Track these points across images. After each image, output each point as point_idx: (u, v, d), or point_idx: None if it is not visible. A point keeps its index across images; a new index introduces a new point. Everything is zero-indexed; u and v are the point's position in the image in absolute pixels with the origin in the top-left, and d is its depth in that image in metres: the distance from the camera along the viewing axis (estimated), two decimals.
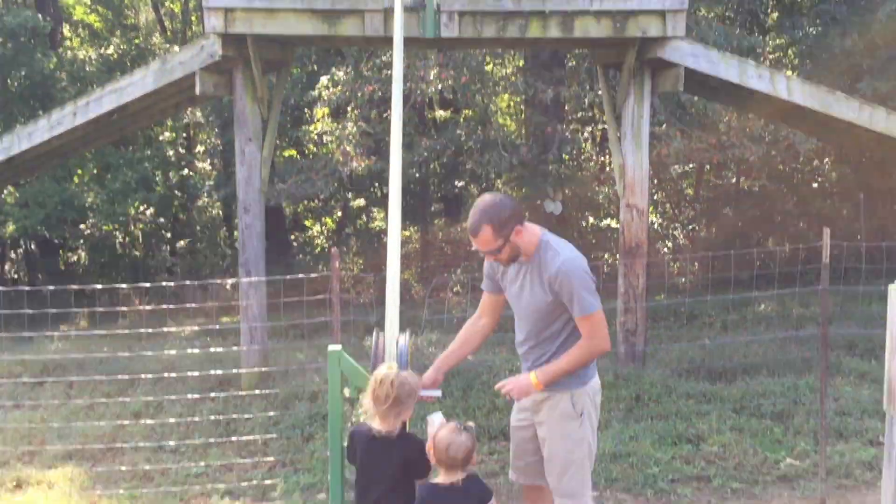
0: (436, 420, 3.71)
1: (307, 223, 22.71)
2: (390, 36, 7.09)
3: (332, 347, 4.17)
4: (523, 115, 16.61)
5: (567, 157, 16.19)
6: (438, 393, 4.01)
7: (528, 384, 3.76)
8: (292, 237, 21.01)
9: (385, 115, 14.81)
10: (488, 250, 3.80)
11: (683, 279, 15.79)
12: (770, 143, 13.93)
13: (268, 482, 5.86)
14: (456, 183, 19.74)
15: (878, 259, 10.47)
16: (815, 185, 17.04)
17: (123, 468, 6.20)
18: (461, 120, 18.34)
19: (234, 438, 6.70)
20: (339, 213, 21.73)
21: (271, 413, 7.23)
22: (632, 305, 8.52)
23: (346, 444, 3.91)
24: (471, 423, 3.57)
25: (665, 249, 17.06)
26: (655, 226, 18.09)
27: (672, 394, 7.39)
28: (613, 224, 19.55)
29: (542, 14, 7.89)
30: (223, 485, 5.82)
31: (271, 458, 6.34)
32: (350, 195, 20.87)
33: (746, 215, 16.26)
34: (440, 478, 3.54)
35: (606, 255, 17.35)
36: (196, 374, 8.31)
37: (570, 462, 3.87)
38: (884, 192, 16.05)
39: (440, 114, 16.67)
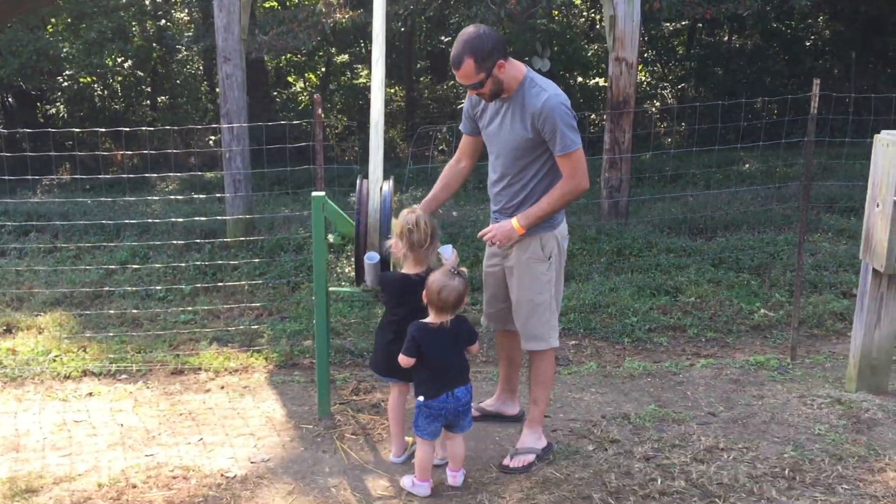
0: (447, 252, 3.81)
1: (290, 79, 22.26)
2: None
3: (315, 193, 4.17)
4: None
5: (557, 12, 15.74)
6: (375, 256, 4.03)
7: (510, 229, 3.77)
8: (274, 93, 20.64)
9: None
10: (470, 84, 3.73)
11: (669, 139, 15.75)
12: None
13: (255, 327, 5.97)
14: (442, 38, 19.26)
15: (865, 114, 10.45)
16: (807, 43, 16.73)
17: (112, 312, 6.29)
18: None
19: (220, 284, 6.79)
20: (323, 69, 21.29)
21: (257, 261, 7.31)
22: (617, 161, 8.50)
23: (379, 288, 3.96)
24: (464, 269, 3.63)
25: (653, 109, 16.90)
26: (644, 85, 17.85)
27: (653, 248, 7.50)
28: (602, 82, 19.29)
29: None
30: (210, 330, 5.93)
31: (258, 306, 6.44)
32: (334, 50, 20.38)
33: (737, 75, 16.03)
34: (430, 318, 3.62)
35: (593, 116, 17.21)
36: (181, 220, 8.36)
37: (537, 304, 3.92)
38: (876, 51, 15.84)
39: None
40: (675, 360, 5.30)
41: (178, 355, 5.48)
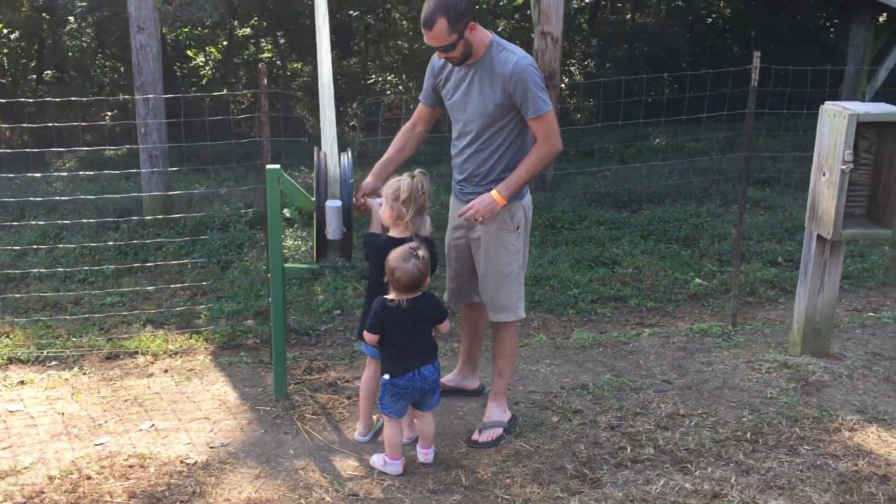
0: (376, 204, 3.81)
1: (190, 52, 21.50)
2: None
3: (270, 166, 4.01)
4: None
5: None
6: (379, 201, 3.91)
7: (492, 202, 3.68)
8: (174, 67, 19.91)
9: None
10: (441, 45, 3.64)
11: (579, 115, 15.97)
12: None
13: (191, 308, 5.74)
14: (349, 12, 18.96)
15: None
16: (709, 20, 17.20)
17: (31, 296, 5.93)
18: None
19: (147, 265, 6.49)
20: (225, 42, 20.64)
21: (180, 240, 7.02)
22: None
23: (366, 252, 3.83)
24: (422, 252, 3.47)
25: (562, 86, 17.05)
26: None
27: (584, 221, 7.58)
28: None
29: None
30: (142, 312, 5.66)
31: (189, 287, 6.18)
32: (236, 23, 19.78)
33: (640, 53, 16.35)
34: (391, 295, 3.52)
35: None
36: (91, 198, 7.95)
37: (504, 275, 3.88)
38: (774, 30, 16.41)
39: None
40: (622, 331, 5.35)
41: (111, 339, 5.20)
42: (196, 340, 5.21)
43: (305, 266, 5.09)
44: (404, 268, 3.42)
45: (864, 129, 4.25)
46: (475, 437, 3.92)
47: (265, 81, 4.46)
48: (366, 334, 3.57)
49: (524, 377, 4.61)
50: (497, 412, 4.03)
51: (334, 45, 20.71)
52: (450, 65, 3.84)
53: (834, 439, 3.87)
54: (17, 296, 5.94)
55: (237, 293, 5.97)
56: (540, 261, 6.54)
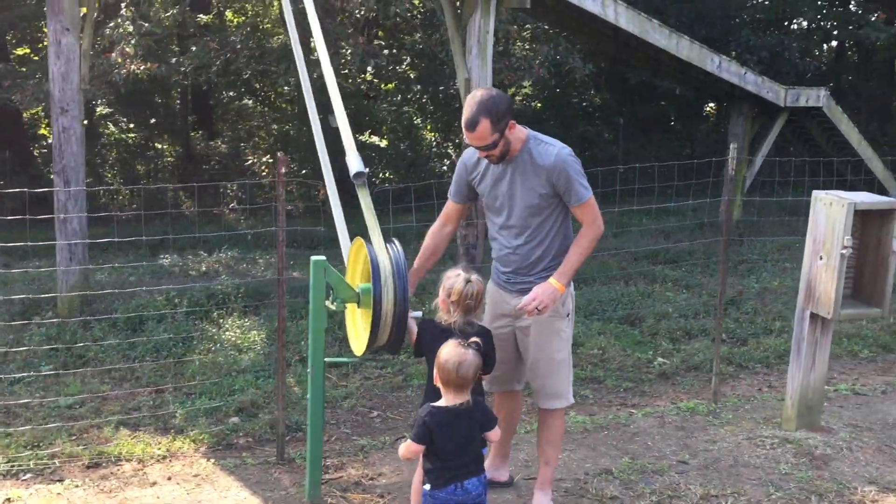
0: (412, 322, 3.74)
1: (43, 131, 20.48)
2: None
3: (315, 258, 3.87)
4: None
5: (349, 69, 15.85)
6: (419, 314, 3.86)
7: (553, 291, 3.70)
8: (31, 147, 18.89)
9: (167, 12, 13.62)
10: (483, 145, 3.69)
11: None
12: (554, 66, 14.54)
13: (162, 408, 5.36)
14: (230, 93, 18.77)
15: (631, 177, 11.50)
16: (584, 104, 18.14)
17: None
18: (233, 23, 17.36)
19: (91, 369, 6.03)
20: (85, 121, 19.80)
21: (112, 341, 6.56)
22: (473, 220, 8.67)
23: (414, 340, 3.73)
24: (475, 339, 3.38)
25: (444, 167, 17.42)
26: (434, 144, 18.43)
27: None
28: (382, 143, 19.71)
29: None
30: (108, 414, 5.23)
31: (151, 386, 5.78)
32: (96, 101, 19.09)
33: None
34: (445, 400, 3.28)
35: (389, 174, 17.43)
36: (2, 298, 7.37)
37: (557, 362, 3.91)
38: (639, 118, 17.54)
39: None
40: (611, 412, 5.44)
41: (85, 446, 4.77)
42: (182, 442, 4.86)
43: (346, 359, 4.90)
44: (468, 360, 3.24)
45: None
46: None
47: (283, 170, 4.33)
48: (409, 445, 3.27)
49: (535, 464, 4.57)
50: (545, 501, 3.98)
51: (197, 124, 20.31)
52: (484, 162, 3.89)
53: None
54: None
55: (208, 388, 5.64)
56: None
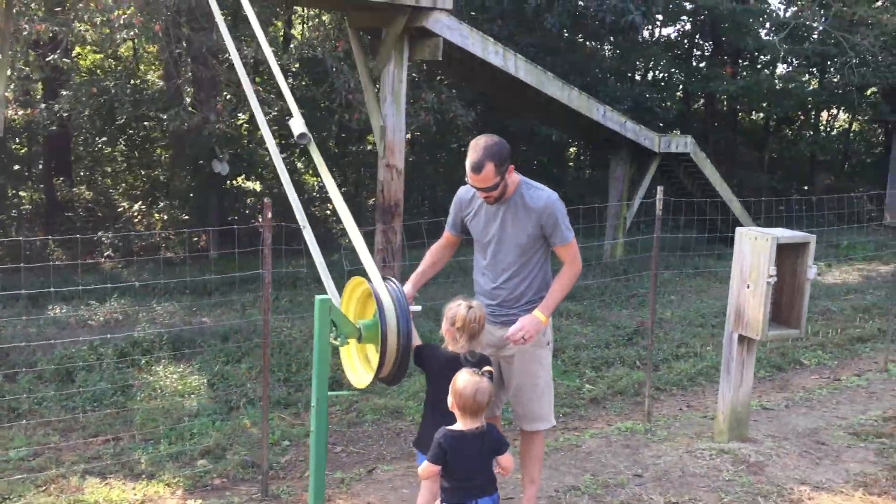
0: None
1: None
2: None
3: (320, 297, 4.07)
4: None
5: (244, 116, 15.91)
6: (419, 308, 4.14)
7: (537, 322, 4.06)
8: None
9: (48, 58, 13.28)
10: (486, 187, 4.04)
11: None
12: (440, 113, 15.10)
13: (125, 458, 5.33)
14: (100, 138, 18.28)
15: None
16: (463, 149, 18.78)
17: None
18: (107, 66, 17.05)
19: (30, 421, 5.90)
20: None
21: (47, 392, 6.44)
22: (390, 262, 8.97)
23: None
24: (488, 368, 3.71)
25: (327, 211, 17.59)
26: (316, 188, 18.57)
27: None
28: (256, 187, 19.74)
29: None
30: (79, 466, 5.17)
31: (97, 435, 5.73)
32: None
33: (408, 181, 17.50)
34: (461, 425, 3.55)
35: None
36: None
37: (541, 387, 4.27)
38: (521, 164, 18.34)
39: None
40: (561, 436, 5.83)
41: (58, 496, 4.72)
42: (156, 487, 4.89)
43: (347, 392, 5.04)
44: (483, 386, 3.51)
45: None
46: None
47: (269, 215, 4.52)
48: (426, 465, 3.56)
49: (511, 482, 4.90)
50: None
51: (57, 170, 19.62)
52: (478, 201, 4.25)
53: None
54: None
55: (167, 433, 5.65)
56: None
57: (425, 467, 3.55)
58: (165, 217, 18.15)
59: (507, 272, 4.24)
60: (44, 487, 4.88)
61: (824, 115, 23.79)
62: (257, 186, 20.47)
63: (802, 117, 22.93)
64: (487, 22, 15.98)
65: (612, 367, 7.52)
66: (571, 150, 21.57)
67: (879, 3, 18.06)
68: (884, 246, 14.71)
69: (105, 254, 17.13)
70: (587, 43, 18.84)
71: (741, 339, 5.39)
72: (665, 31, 21.43)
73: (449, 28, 8.86)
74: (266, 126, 4.88)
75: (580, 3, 16.16)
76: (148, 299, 10.67)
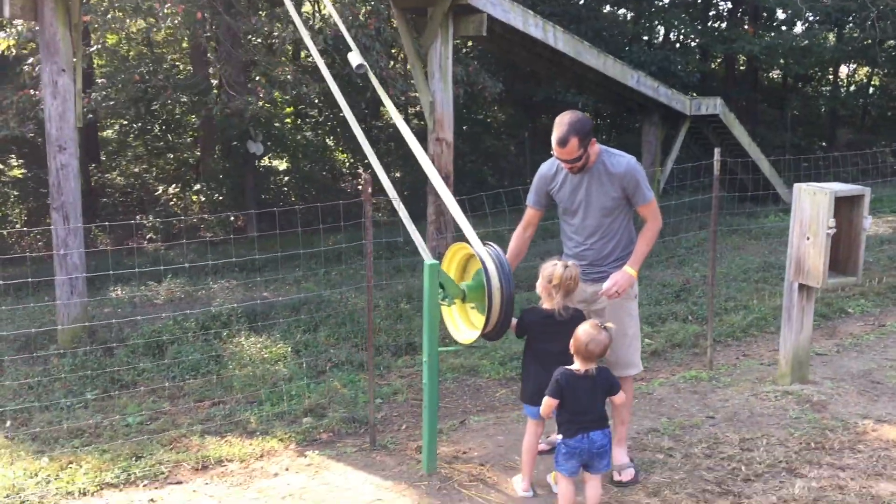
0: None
1: None
2: None
3: (428, 262, 4.49)
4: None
5: (279, 94, 16.24)
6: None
7: (629, 276, 4.47)
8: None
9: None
10: (571, 159, 4.43)
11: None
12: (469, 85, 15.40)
13: (236, 418, 5.79)
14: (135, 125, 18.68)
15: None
16: (489, 120, 19.11)
17: (37, 430, 5.64)
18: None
19: (136, 390, 6.37)
20: None
21: (145, 364, 6.91)
22: (443, 232, 9.36)
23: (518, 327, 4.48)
24: (610, 324, 4.16)
25: (358, 187, 17.96)
26: (346, 164, 18.94)
27: None
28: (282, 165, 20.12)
29: None
30: (197, 426, 5.63)
31: (203, 400, 6.19)
32: None
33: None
34: (576, 366, 4.08)
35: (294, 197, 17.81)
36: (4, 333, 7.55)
37: (630, 336, 4.69)
38: (544, 131, 18.67)
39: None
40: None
41: (183, 452, 5.18)
42: (271, 442, 5.34)
43: (454, 348, 5.48)
44: (599, 339, 4.03)
45: None
46: (617, 478, 4.59)
47: (370, 190, 4.92)
48: (546, 399, 4.07)
49: None
50: (623, 454, 4.73)
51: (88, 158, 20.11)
52: (562, 173, 4.63)
53: (871, 437, 5.03)
54: (31, 431, 5.63)
55: (271, 396, 6.10)
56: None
57: (546, 402, 4.06)
58: (203, 199, 18.59)
59: (596, 234, 4.63)
60: (170, 446, 5.34)
61: (843, 70, 23.96)
62: (283, 165, 20.88)
63: (820, 74, 23.12)
64: None
65: (665, 322, 7.92)
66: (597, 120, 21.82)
67: None
68: None
69: (147, 237, 17.63)
70: (608, 7, 19.07)
71: (801, 287, 5.77)
72: None
73: (492, 3, 9.18)
74: (347, 106, 5.30)
75: None
76: (203, 278, 11.13)
